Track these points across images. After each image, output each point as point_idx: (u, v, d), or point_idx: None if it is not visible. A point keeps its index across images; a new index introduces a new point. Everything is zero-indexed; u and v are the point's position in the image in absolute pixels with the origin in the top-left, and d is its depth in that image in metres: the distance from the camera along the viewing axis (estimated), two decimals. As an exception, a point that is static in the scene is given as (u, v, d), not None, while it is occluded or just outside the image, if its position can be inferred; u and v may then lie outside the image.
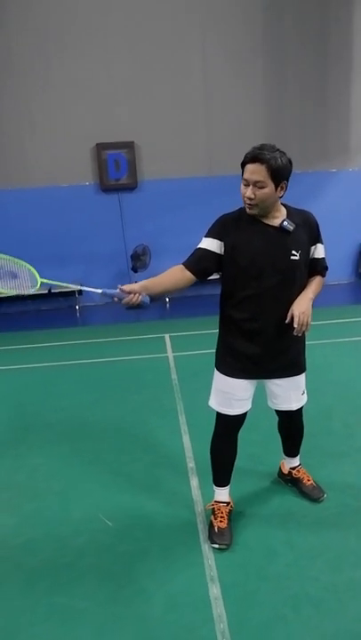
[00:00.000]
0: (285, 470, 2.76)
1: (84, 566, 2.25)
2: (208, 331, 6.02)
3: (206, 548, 2.33)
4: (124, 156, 7.68)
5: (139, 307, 2.10)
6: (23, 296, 2.11)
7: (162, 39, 7.46)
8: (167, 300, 7.84)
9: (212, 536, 2.35)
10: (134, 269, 7.58)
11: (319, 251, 2.29)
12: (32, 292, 2.35)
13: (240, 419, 2.36)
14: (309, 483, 2.67)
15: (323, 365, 4.41)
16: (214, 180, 7.86)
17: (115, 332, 6.36)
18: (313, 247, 2.25)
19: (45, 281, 2.36)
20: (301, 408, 2.48)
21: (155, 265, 7.48)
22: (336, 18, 7.72)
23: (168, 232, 7.95)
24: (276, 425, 2.64)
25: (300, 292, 2.20)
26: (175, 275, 2.18)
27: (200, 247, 2.20)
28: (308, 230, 2.21)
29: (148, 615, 1.97)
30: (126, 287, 2.10)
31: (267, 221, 2.13)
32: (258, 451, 3.06)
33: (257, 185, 2.01)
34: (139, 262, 7.61)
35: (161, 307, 7.65)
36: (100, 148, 7.63)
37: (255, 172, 1.99)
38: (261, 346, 2.22)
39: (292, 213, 2.18)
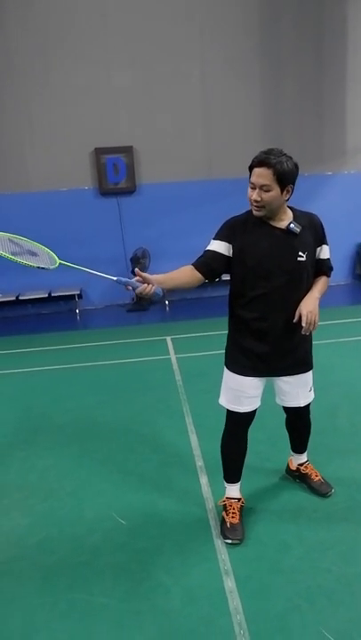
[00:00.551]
0: (293, 467, 2.82)
1: (100, 564, 2.29)
2: (209, 332, 6.14)
3: (219, 543, 2.38)
4: (123, 160, 7.76)
5: (150, 297, 2.15)
6: (43, 269, 2.13)
7: (160, 44, 7.56)
8: (167, 302, 7.90)
9: (225, 531, 2.41)
10: (134, 273, 7.63)
11: (325, 252, 2.35)
12: (52, 268, 2.33)
13: (250, 416, 2.42)
14: (318, 478, 2.73)
15: (326, 365, 4.47)
16: (213, 184, 7.95)
17: (116, 335, 6.41)
18: (319, 248, 2.32)
19: (64, 262, 2.35)
20: (309, 405, 2.54)
21: (154, 268, 7.53)
22: (332, 24, 7.85)
23: (167, 235, 8.02)
24: (284, 422, 2.69)
25: (307, 292, 2.26)
26: (186, 274, 2.24)
27: (209, 249, 2.26)
28: (314, 232, 2.27)
29: (167, 608, 2.02)
30: (143, 275, 2.15)
31: (274, 224, 2.19)
32: (265, 448, 3.12)
33: (263, 188, 2.07)
34: (138, 265, 7.66)
35: (161, 309, 7.71)
36: (99, 152, 7.70)
37: (261, 175, 2.06)
38: (271, 344, 2.28)
39: (298, 216, 2.24)
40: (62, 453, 3.35)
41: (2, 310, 8.01)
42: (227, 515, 2.47)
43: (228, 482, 2.55)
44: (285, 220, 2.19)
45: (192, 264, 2.26)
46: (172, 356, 5.23)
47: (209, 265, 2.24)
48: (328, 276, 2.40)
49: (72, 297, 7.88)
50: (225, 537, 2.39)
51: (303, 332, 2.19)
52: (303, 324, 2.16)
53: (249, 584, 2.12)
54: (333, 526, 2.44)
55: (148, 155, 7.88)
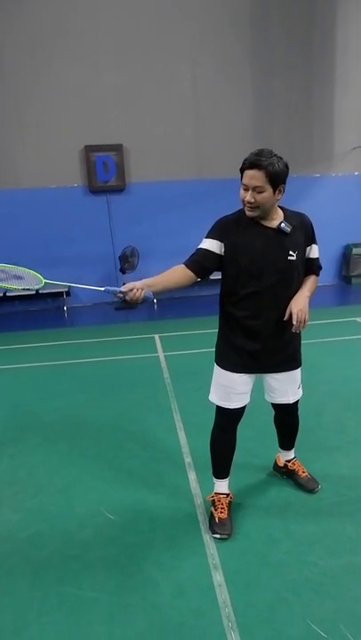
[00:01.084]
0: (281, 463, 2.87)
1: (91, 558, 2.31)
2: (197, 331, 6.17)
3: (208, 537, 2.41)
4: (113, 158, 7.75)
5: (143, 302, 2.18)
6: (30, 290, 2.55)
7: (151, 43, 7.57)
8: (155, 301, 7.92)
9: (214, 526, 2.44)
10: (122, 271, 7.64)
11: (314, 251, 2.40)
12: (37, 288, 2.57)
13: (239, 412, 2.45)
14: (305, 474, 2.78)
15: (313, 364, 4.50)
16: (202, 183, 7.99)
17: (104, 333, 6.41)
18: (308, 248, 2.36)
19: (49, 281, 2.42)
20: (297, 401, 2.58)
21: (143, 267, 7.56)
22: (322, 27, 7.95)
23: (156, 234, 8.05)
24: (272, 420, 2.73)
25: (297, 291, 2.31)
26: (177, 273, 2.26)
27: (201, 247, 2.28)
28: (304, 232, 2.32)
29: (157, 602, 2.04)
30: (128, 285, 2.17)
31: (265, 223, 2.23)
32: (253, 445, 3.16)
33: (256, 190, 2.10)
34: (127, 264, 7.67)
35: (149, 308, 7.72)
36: (89, 150, 7.69)
37: (254, 177, 2.08)
38: (261, 342, 2.32)
39: (288, 216, 2.28)
40: (51, 450, 3.35)
41: (-11, 307, 7.96)
42: (215, 510, 2.50)
43: (216, 477, 2.58)
44: (277, 220, 2.23)
45: (184, 263, 2.28)
46: (161, 354, 5.25)
47: (201, 263, 2.26)
48: (317, 274, 2.45)
49: (60, 294, 7.85)
50: (213, 532, 2.42)
51: (293, 330, 2.23)
52: (294, 322, 2.20)
53: (237, 578, 2.16)
54: (320, 521, 2.49)
55: (138, 153, 7.89)
